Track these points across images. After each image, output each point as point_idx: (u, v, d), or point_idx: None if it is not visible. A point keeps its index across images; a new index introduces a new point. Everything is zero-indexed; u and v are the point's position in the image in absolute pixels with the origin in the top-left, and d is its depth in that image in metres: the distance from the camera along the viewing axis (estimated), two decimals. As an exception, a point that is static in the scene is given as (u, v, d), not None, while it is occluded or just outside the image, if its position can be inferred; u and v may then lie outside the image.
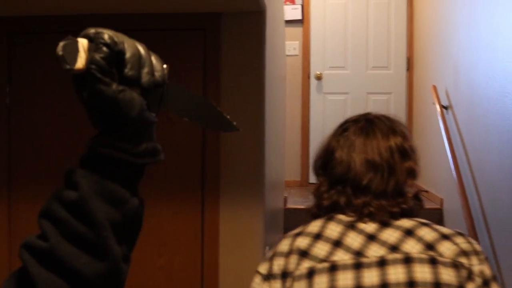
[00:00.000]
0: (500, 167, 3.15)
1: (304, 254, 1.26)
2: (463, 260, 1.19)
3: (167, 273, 2.58)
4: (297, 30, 6.05)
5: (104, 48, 0.67)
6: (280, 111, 3.81)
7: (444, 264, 1.18)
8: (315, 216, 1.38)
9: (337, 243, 1.26)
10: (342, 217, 1.32)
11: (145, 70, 0.70)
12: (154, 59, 0.73)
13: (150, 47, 0.73)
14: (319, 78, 6.01)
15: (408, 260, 1.19)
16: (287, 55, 5.75)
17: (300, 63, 6.06)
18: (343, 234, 1.27)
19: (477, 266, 1.20)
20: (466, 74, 3.92)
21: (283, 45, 4.31)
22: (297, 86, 6.04)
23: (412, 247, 1.21)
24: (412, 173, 1.36)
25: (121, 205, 0.70)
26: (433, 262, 1.18)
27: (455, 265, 1.18)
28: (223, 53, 2.59)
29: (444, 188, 4.33)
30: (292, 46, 6.00)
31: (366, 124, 1.40)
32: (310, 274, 1.22)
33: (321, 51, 6.05)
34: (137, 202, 0.73)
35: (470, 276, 1.18)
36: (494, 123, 3.27)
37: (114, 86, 0.67)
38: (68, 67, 0.66)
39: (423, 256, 1.19)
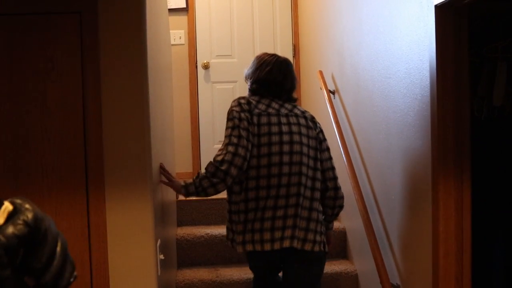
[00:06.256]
0: (387, 148, 3.20)
1: (255, 105, 2.75)
2: (314, 119, 2.91)
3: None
4: (182, 19, 5.90)
5: (23, 227, 0.60)
6: (167, 101, 3.68)
7: (309, 119, 2.85)
8: (254, 93, 2.87)
9: (268, 105, 2.77)
10: (268, 96, 2.86)
11: (53, 269, 0.64)
12: (69, 265, 0.66)
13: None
14: (206, 67, 5.91)
15: (296, 115, 2.81)
16: (173, 44, 5.62)
17: (186, 52, 5.92)
18: (271, 102, 2.81)
19: (310, 122, 2.89)
20: (351, 58, 3.97)
21: (167, 34, 4.17)
22: (184, 76, 5.90)
23: (297, 110, 2.85)
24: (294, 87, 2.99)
25: None
26: (305, 117, 2.83)
27: (312, 120, 2.88)
28: (101, 39, 2.43)
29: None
30: (177, 35, 5.85)
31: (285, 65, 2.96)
32: (259, 115, 2.71)
33: (207, 40, 5.95)
34: None
35: (315, 125, 2.88)
36: (379, 104, 3.32)
37: (8, 271, 0.60)
38: None
39: (301, 114, 2.83)
